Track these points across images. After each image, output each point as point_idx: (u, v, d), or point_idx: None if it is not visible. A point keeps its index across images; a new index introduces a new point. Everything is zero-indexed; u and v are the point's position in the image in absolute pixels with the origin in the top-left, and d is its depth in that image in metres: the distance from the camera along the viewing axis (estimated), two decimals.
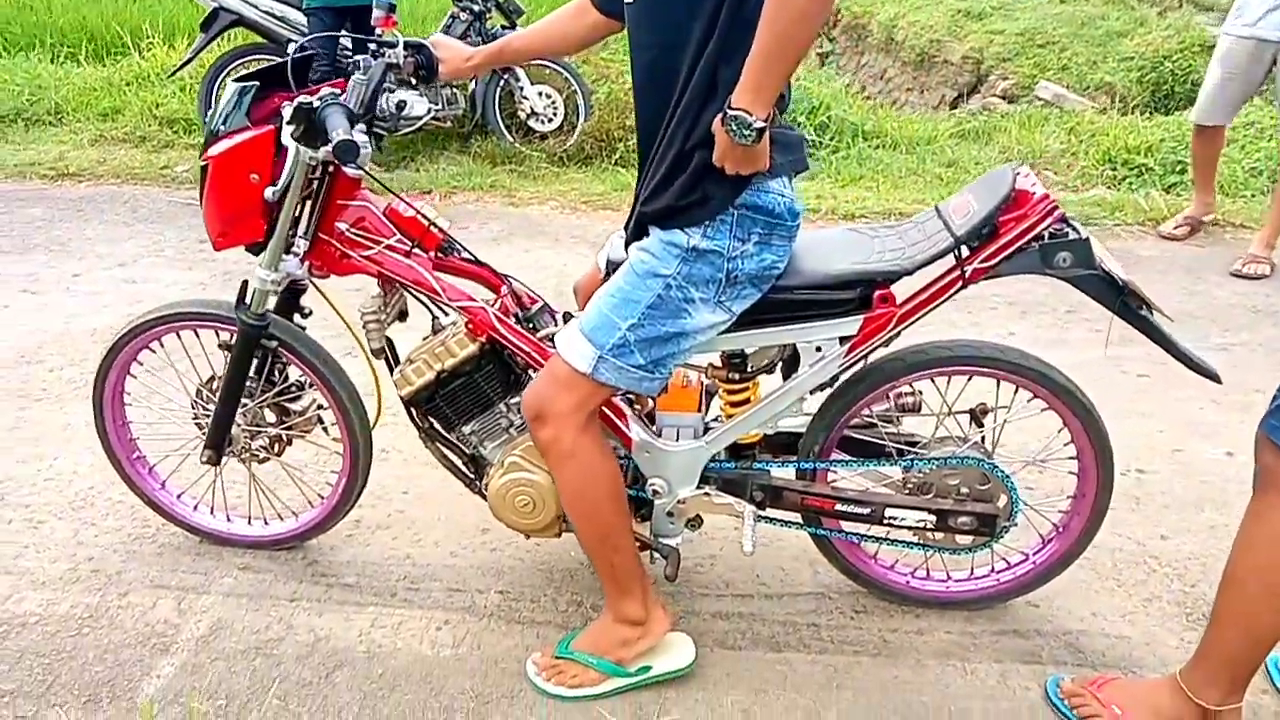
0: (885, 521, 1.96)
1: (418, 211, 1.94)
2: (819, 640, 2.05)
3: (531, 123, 5.75)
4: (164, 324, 2.09)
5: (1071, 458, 1.97)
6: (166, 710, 1.86)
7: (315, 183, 1.91)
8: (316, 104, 1.76)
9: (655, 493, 1.96)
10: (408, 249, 1.93)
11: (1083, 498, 2.00)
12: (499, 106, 5.70)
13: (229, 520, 2.33)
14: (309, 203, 1.93)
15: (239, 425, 2.17)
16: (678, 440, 1.95)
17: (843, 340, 1.81)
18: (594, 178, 5.28)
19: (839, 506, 1.96)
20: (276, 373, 2.15)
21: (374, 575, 2.23)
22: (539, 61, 5.59)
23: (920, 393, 2.02)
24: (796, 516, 2.03)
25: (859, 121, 6.09)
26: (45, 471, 2.60)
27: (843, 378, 1.89)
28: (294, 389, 2.18)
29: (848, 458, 2.02)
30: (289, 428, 2.21)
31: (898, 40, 8.73)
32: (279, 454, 2.25)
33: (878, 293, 1.77)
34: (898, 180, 5.40)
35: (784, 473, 2.00)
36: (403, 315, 2.10)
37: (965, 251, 1.74)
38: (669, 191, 1.65)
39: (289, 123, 1.78)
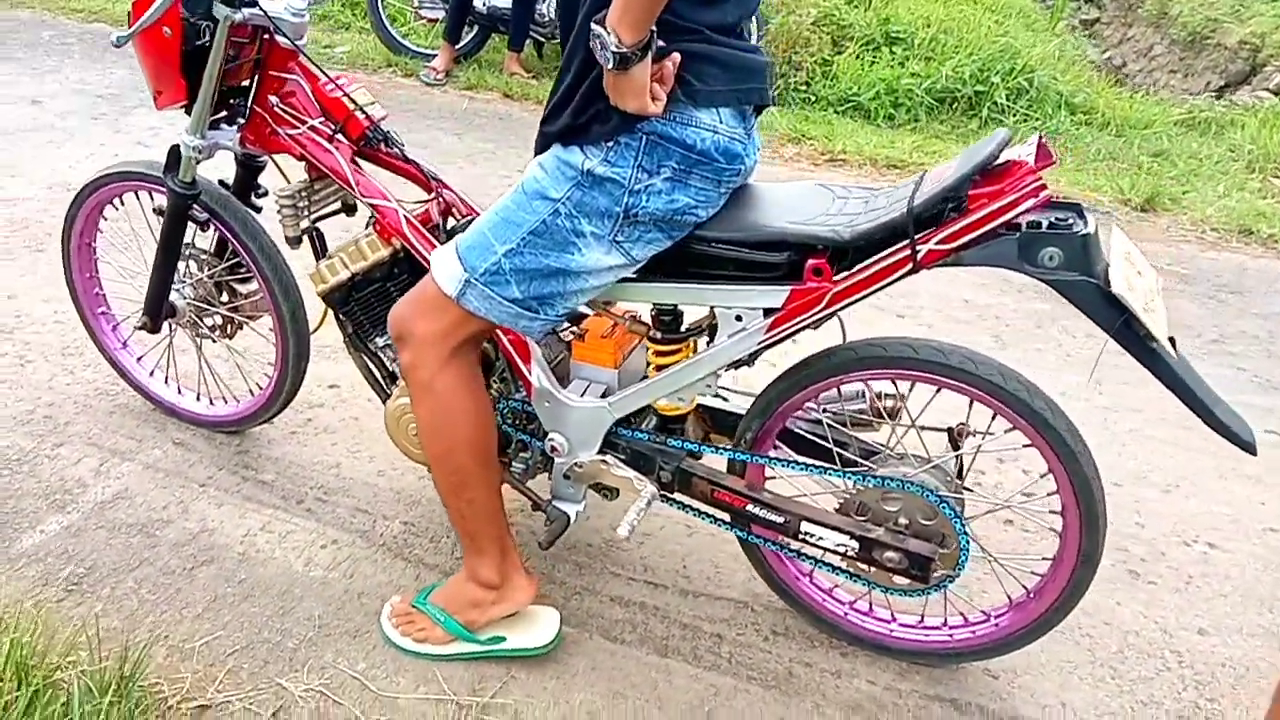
0: (799, 536, 1.63)
1: (345, 93, 1.76)
2: (715, 654, 1.76)
3: None
4: (117, 181, 2.02)
5: (1054, 511, 1.57)
6: (28, 569, 1.83)
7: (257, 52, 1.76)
8: None
9: (553, 449, 1.73)
10: (331, 133, 1.76)
11: (1059, 564, 1.60)
12: None
13: (179, 393, 2.28)
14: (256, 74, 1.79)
15: (186, 299, 2.10)
16: (582, 396, 1.70)
17: (767, 313, 1.49)
18: None
19: (750, 508, 1.66)
20: (228, 249, 2.05)
21: (292, 477, 2.12)
22: None
23: (903, 397, 1.67)
24: (722, 515, 1.74)
25: (1067, 91, 5.38)
26: (58, 315, 2.65)
27: (782, 364, 1.57)
28: (243, 269, 2.08)
29: (786, 456, 1.70)
30: (235, 309, 2.12)
31: (1170, 15, 7.70)
32: (229, 336, 2.17)
33: (810, 262, 1.44)
34: (1086, 163, 4.72)
35: (701, 458, 1.71)
36: (349, 209, 1.94)
37: (921, 229, 1.37)
38: (569, 107, 1.38)
39: None
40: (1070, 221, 1.34)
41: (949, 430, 1.65)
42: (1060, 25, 7.41)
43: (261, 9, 1.67)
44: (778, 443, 1.72)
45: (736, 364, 1.58)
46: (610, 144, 1.37)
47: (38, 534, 1.92)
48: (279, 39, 1.73)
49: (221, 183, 1.98)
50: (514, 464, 1.82)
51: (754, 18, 1.50)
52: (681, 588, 1.91)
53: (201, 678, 1.63)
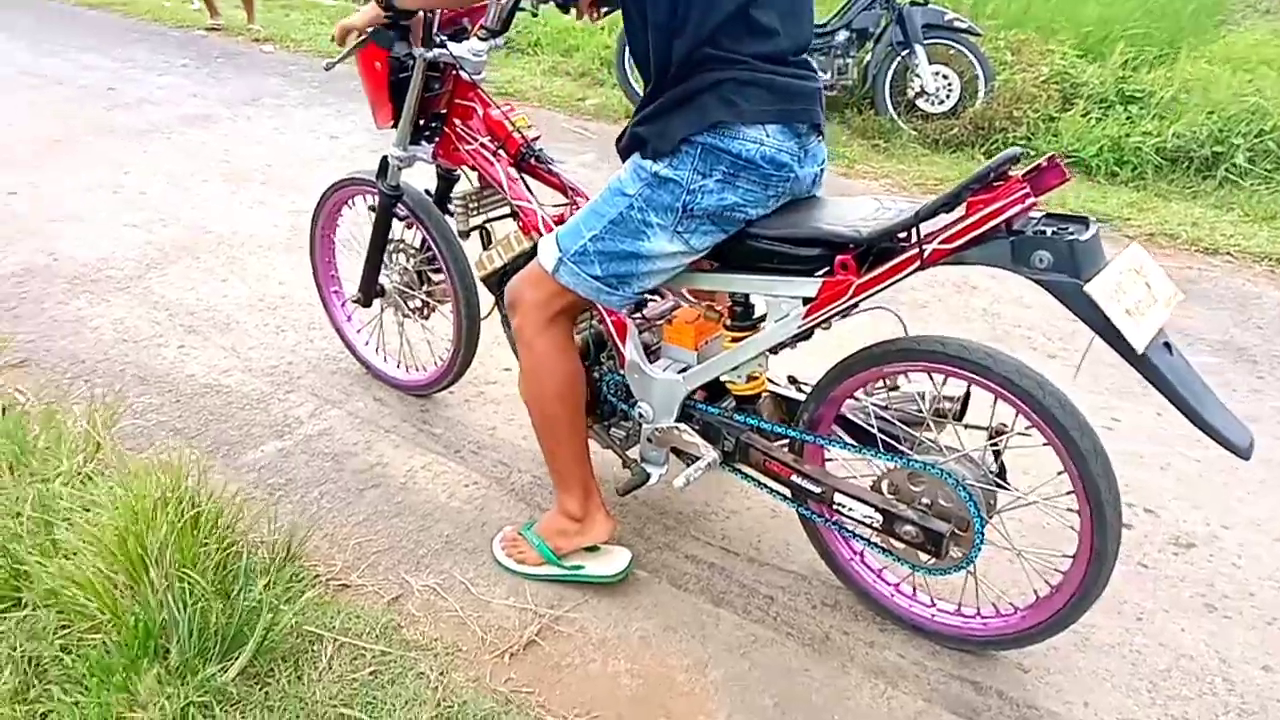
0: (834, 506, 1.84)
1: (507, 118, 2.19)
2: (763, 612, 1.99)
3: (920, 102, 5.58)
4: (348, 185, 2.58)
5: (1072, 509, 1.68)
6: (245, 475, 2.37)
7: (439, 83, 2.23)
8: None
9: (641, 415, 2.04)
10: (495, 149, 2.19)
11: (1075, 561, 1.70)
12: (890, 83, 5.61)
13: (384, 360, 2.80)
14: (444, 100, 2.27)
15: (393, 282, 2.62)
16: (664, 371, 2.00)
17: (805, 302, 1.74)
18: (954, 164, 5.03)
19: (793, 477, 1.88)
20: (425, 244, 2.54)
21: (456, 433, 2.57)
22: (944, 40, 5.41)
23: (958, 400, 1.84)
24: (781, 489, 1.97)
25: None
26: (313, 300, 3.27)
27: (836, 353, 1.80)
28: (436, 262, 2.56)
29: (840, 439, 1.91)
30: (429, 294, 2.60)
31: None
32: (425, 317, 2.66)
33: (839, 258, 1.67)
34: None
35: (764, 434, 1.96)
36: (515, 214, 2.36)
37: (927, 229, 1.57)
38: (645, 125, 1.72)
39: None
40: (1069, 230, 1.50)
41: (989, 428, 1.80)
42: None
43: (449, 50, 2.13)
44: (835, 428, 1.94)
45: (779, 347, 1.83)
46: (673, 152, 1.69)
47: (259, 452, 2.47)
48: (462, 74, 2.19)
49: (426, 191, 2.47)
50: (614, 429, 2.15)
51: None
52: (750, 556, 2.14)
53: (348, 565, 2.08)
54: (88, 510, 1.94)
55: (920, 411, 1.84)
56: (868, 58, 5.68)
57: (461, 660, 1.84)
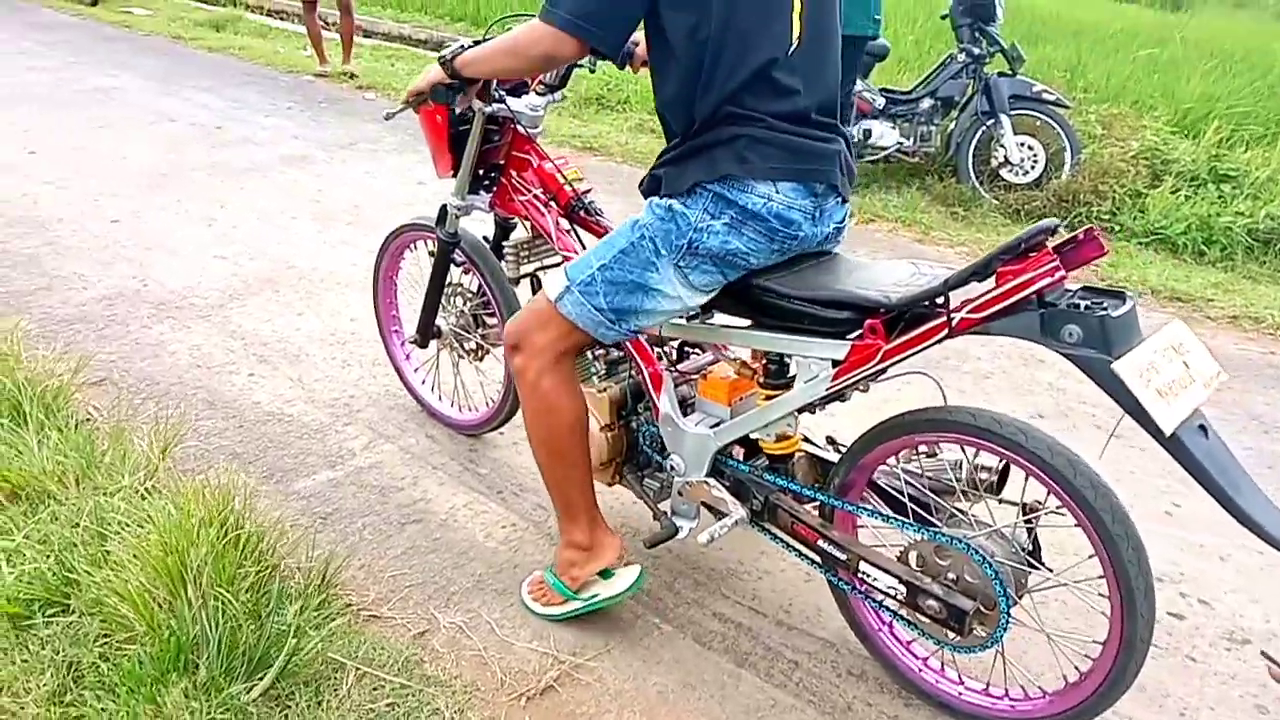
0: (858, 574, 1.82)
1: (560, 171, 2.25)
2: (785, 676, 1.96)
3: (1003, 172, 5.53)
4: (410, 231, 2.68)
5: (1103, 595, 1.63)
6: (294, 501, 2.45)
7: (498, 135, 2.31)
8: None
9: (673, 468, 2.05)
10: (546, 200, 2.26)
11: (1105, 648, 1.64)
12: (974, 151, 5.57)
13: (439, 399, 2.88)
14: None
15: (450, 325, 2.69)
16: (697, 425, 2.01)
17: (835, 364, 1.74)
18: None
19: (821, 543, 1.87)
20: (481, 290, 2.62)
21: (500, 474, 2.61)
22: (1031, 111, 5.37)
23: (995, 470, 1.82)
24: (810, 554, 1.95)
25: None
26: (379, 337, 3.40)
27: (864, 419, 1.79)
28: (490, 307, 2.63)
29: (873, 506, 1.89)
30: (484, 337, 2.67)
31: None
32: (479, 359, 2.73)
33: (868, 322, 1.67)
34: None
35: (792, 496, 1.95)
36: None
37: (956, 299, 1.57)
38: (666, 169, 1.79)
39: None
40: (1104, 304, 1.48)
41: (1023, 505, 1.76)
42: None
43: (507, 105, 2.21)
44: (868, 494, 1.92)
45: (810, 408, 1.83)
46: (687, 192, 1.73)
47: (310, 480, 2.55)
48: (519, 128, 2.27)
49: (485, 238, 2.55)
50: (648, 480, 2.17)
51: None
52: (779, 619, 2.12)
53: (380, 597, 2.13)
54: (140, 526, 2.03)
55: (954, 481, 1.81)
56: (951, 125, 5.66)
57: (478, 700, 1.86)
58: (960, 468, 1.85)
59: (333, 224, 4.61)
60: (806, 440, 2.07)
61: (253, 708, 1.74)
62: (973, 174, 5.58)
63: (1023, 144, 5.45)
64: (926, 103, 5.63)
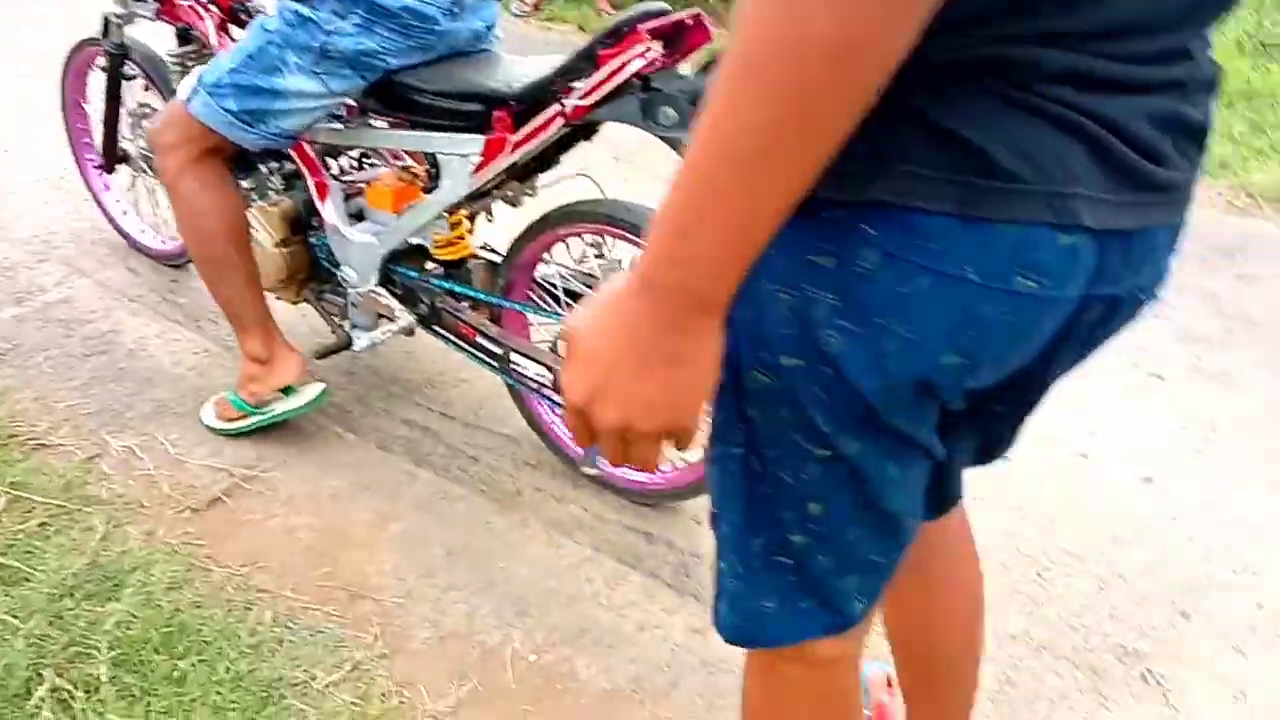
0: (511, 366, 1.88)
1: None
2: (462, 471, 2.03)
3: None
4: (90, 46, 2.47)
5: None
6: None
7: None
8: None
9: (344, 279, 2.04)
10: (206, 3, 2.12)
11: None
12: None
13: (141, 230, 2.73)
14: None
15: (138, 147, 2.54)
16: (361, 233, 1.99)
17: (475, 161, 1.74)
18: None
19: (479, 339, 1.91)
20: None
21: (199, 302, 2.48)
22: None
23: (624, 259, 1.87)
24: (480, 354, 1.99)
25: None
26: None
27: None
28: None
29: (534, 303, 1.94)
30: None
31: None
32: None
33: (495, 114, 1.67)
34: None
35: (458, 298, 1.97)
36: None
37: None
38: None
39: None
40: (703, 85, 1.52)
41: None
42: None
43: None
44: (533, 291, 1.96)
45: (474, 212, 1.85)
46: None
47: None
48: None
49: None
50: (330, 296, 2.15)
51: None
52: (467, 421, 2.18)
53: (50, 426, 2.07)
54: None
55: (595, 270, 1.87)
56: None
57: (140, 516, 1.85)
58: (602, 256, 1.91)
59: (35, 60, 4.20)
60: (484, 248, 2.09)
61: None
62: None
63: None
64: None
